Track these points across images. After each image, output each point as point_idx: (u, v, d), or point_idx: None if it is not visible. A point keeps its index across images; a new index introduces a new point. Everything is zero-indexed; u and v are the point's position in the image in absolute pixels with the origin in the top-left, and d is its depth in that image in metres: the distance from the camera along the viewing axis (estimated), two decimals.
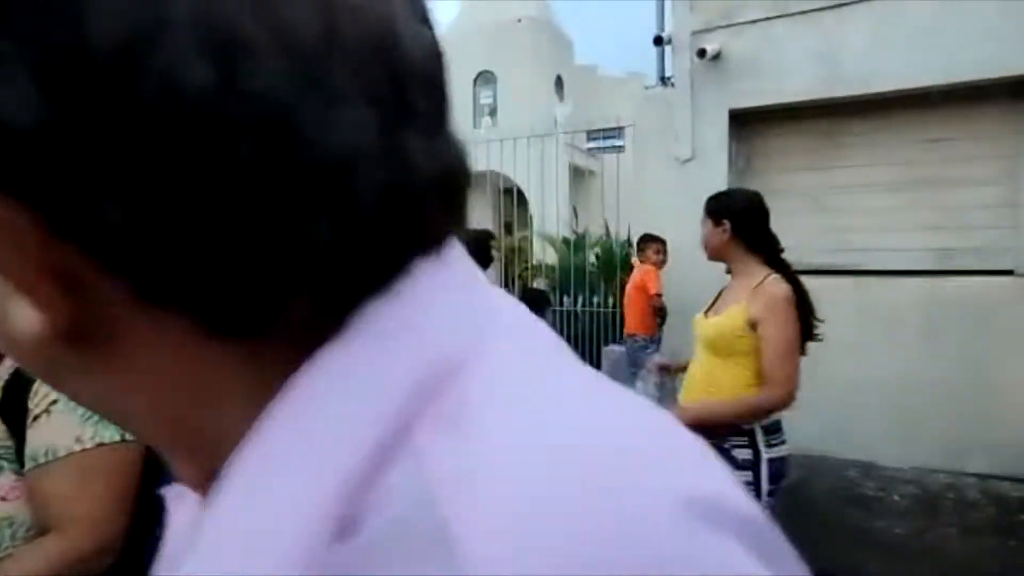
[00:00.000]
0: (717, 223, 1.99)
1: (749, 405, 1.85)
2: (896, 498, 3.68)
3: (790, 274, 1.94)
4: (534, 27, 18.36)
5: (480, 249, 2.63)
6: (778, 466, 1.88)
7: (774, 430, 1.90)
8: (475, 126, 17.81)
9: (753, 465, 1.86)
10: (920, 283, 4.10)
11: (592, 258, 5.92)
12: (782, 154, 4.72)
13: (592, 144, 5.23)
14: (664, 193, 4.78)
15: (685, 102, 4.67)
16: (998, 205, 4.12)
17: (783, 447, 1.91)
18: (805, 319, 1.92)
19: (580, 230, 8.37)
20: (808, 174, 4.63)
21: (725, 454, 1.82)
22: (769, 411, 1.85)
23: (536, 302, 4.46)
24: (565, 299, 5.71)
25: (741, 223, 1.96)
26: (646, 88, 5.57)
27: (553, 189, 16.82)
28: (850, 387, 4.22)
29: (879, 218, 4.43)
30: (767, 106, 4.47)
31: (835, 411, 4.26)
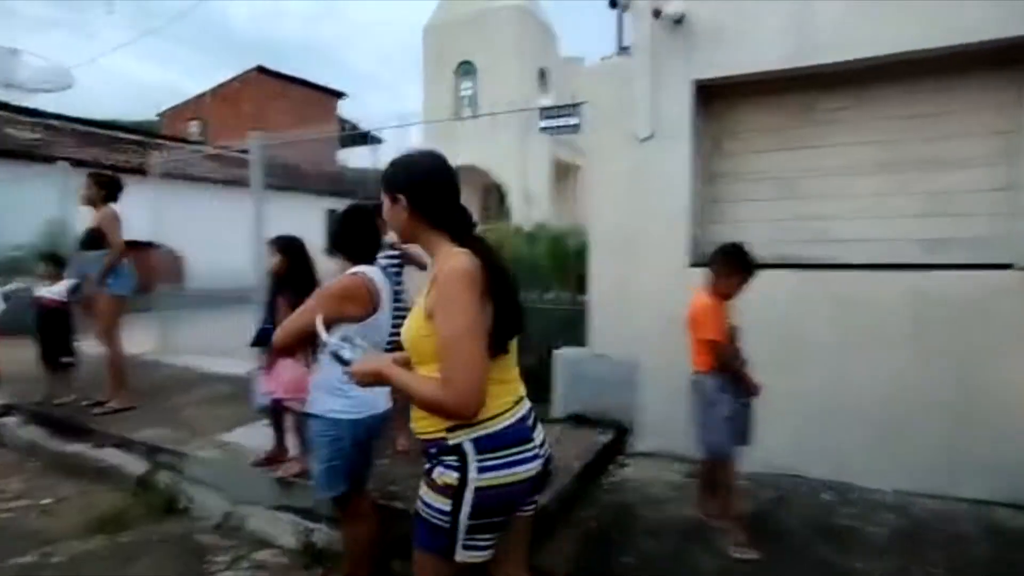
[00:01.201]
0: (393, 199, 1.67)
1: (430, 393, 1.51)
2: (874, 529, 3.15)
3: (481, 247, 1.60)
4: (516, 17, 17.79)
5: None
6: (489, 496, 1.58)
7: (494, 447, 1.59)
8: (455, 115, 17.29)
9: (456, 491, 1.58)
10: (906, 277, 3.59)
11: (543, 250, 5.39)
12: (753, 132, 4.19)
13: (546, 124, 4.67)
14: (622, 176, 4.25)
15: (644, 72, 4.14)
16: (994, 189, 3.60)
17: (509, 471, 1.60)
18: (502, 307, 1.56)
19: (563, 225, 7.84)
20: (782, 155, 4.10)
21: (428, 475, 1.64)
22: (447, 416, 1.54)
23: None
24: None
25: (419, 196, 1.64)
26: (602, 59, 5.02)
27: (537, 183, 16.36)
28: (826, 395, 3.70)
29: (860, 204, 3.91)
30: (735, 77, 3.94)
31: (809, 423, 3.74)
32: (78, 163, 11.61)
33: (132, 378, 5.01)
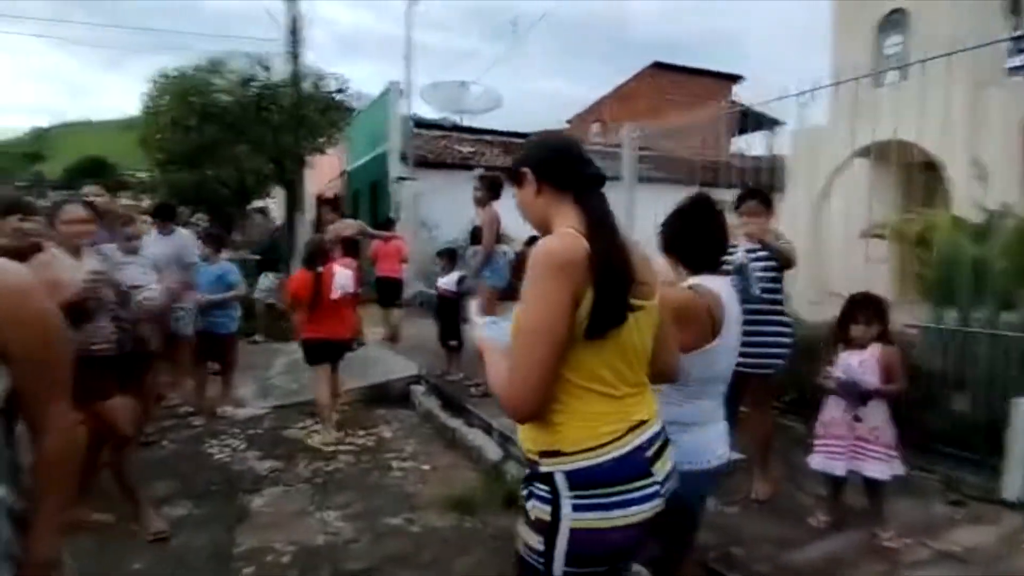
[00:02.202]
0: (518, 181, 1.51)
1: (497, 384, 1.38)
2: None
3: (595, 218, 1.38)
4: None
5: None
6: (587, 541, 1.32)
7: (594, 482, 1.32)
8: (876, 85, 14.30)
9: (549, 529, 1.33)
10: None
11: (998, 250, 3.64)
12: None
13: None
14: None
15: None
16: None
17: (614, 513, 1.32)
18: (604, 300, 1.29)
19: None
20: None
21: (525, 504, 1.41)
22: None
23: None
24: (949, 313, 3.68)
25: (543, 165, 1.47)
26: None
27: (993, 155, 12.28)
28: None
29: None
30: None
31: None
32: (492, 169, 13.68)
33: None
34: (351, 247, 6.19)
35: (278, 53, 12.68)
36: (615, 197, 5.54)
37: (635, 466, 1.36)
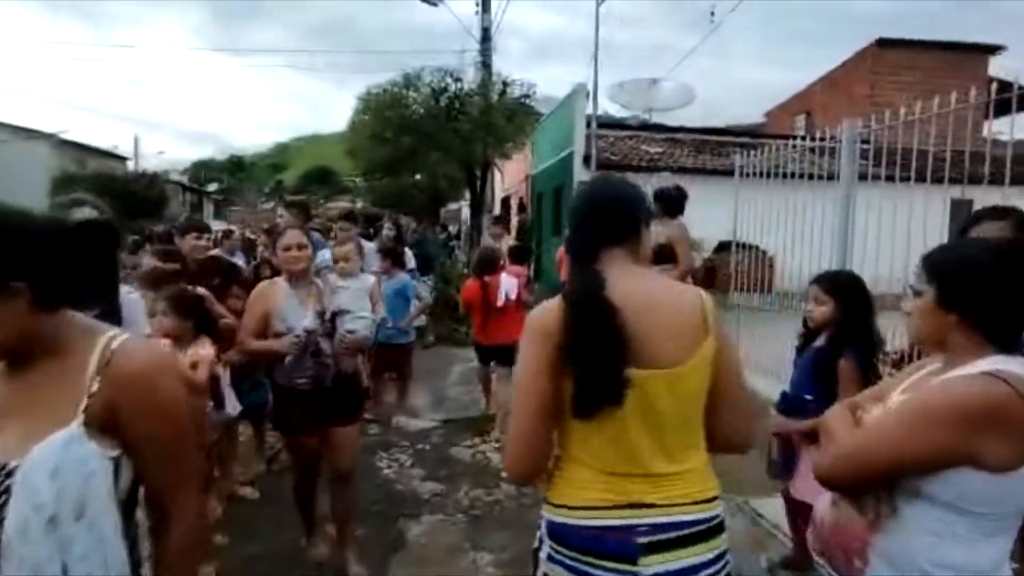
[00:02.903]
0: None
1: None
2: None
3: (578, 285, 1.35)
4: None
5: None
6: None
7: (564, 540, 1.31)
8: None
9: (533, 566, 1.41)
10: None
11: None
12: None
13: None
14: None
15: None
16: None
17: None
18: (584, 370, 1.26)
19: None
20: None
21: None
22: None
23: None
24: None
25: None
26: None
27: None
28: None
29: None
30: None
31: None
32: (680, 170, 12.76)
33: None
34: (522, 255, 6.00)
35: (472, 63, 13.20)
36: (830, 199, 4.65)
37: (617, 546, 1.25)
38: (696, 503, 1.28)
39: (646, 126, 16.81)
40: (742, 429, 1.40)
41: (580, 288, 1.29)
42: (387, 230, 6.81)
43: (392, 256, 5.31)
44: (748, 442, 1.43)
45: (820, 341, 2.49)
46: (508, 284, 4.76)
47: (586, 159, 12.58)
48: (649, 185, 8.45)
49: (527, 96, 12.36)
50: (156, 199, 24.44)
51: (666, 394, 1.25)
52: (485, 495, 4.02)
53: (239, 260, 5.30)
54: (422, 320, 6.16)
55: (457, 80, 11.63)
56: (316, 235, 4.94)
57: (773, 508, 3.29)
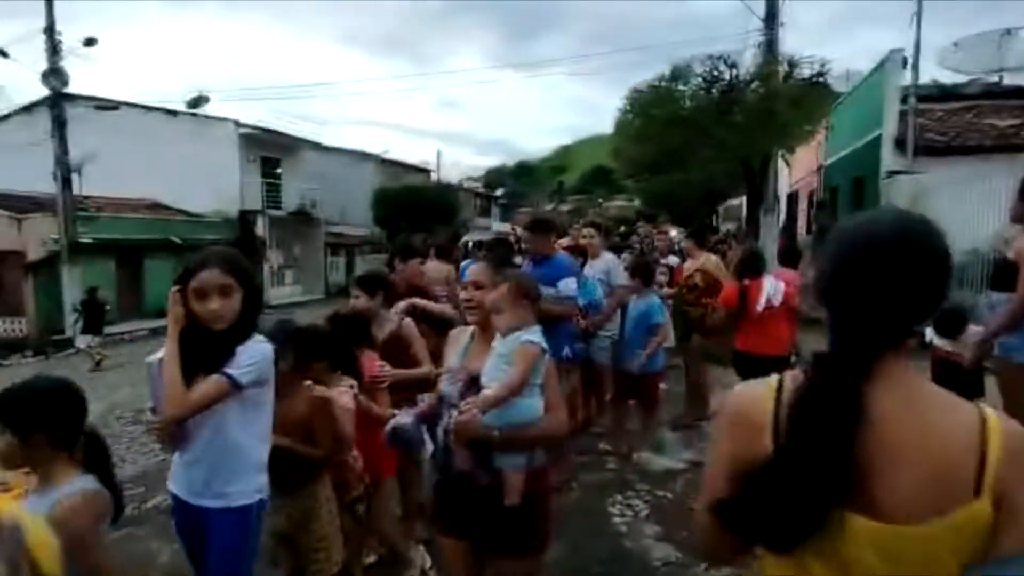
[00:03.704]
0: None
1: None
2: None
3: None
4: None
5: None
6: None
7: None
8: None
9: None
10: None
11: None
12: None
13: None
14: None
15: None
16: None
17: None
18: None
19: None
20: None
21: None
22: None
23: None
24: None
25: None
26: None
27: None
28: None
29: None
30: None
31: None
32: None
33: None
34: (793, 257, 5.10)
35: (754, 45, 11.79)
36: None
37: None
38: None
39: (991, 93, 13.16)
40: None
41: (823, 419, 0.91)
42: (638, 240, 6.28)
43: (643, 273, 4.74)
44: None
45: None
46: (773, 287, 4.42)
47: (899, 142, 10.24)
48: (1009, 175, 6.36)
49: (820, 75, 10.53)
50: (451, 206, 27.51)
51: (875, 558, 0.91)
52: None
53: None
54: (671, 341, 5.44)
55: (732, 66, 10.42)
56: (562, 254, 4.28)
57: None
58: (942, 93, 12.78)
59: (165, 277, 18.76)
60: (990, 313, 3.24)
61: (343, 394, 2.50)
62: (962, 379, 3.57)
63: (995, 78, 13.67)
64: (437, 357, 2.67)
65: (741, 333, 4.56)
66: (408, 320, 3.29)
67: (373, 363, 2.84)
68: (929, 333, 3.75)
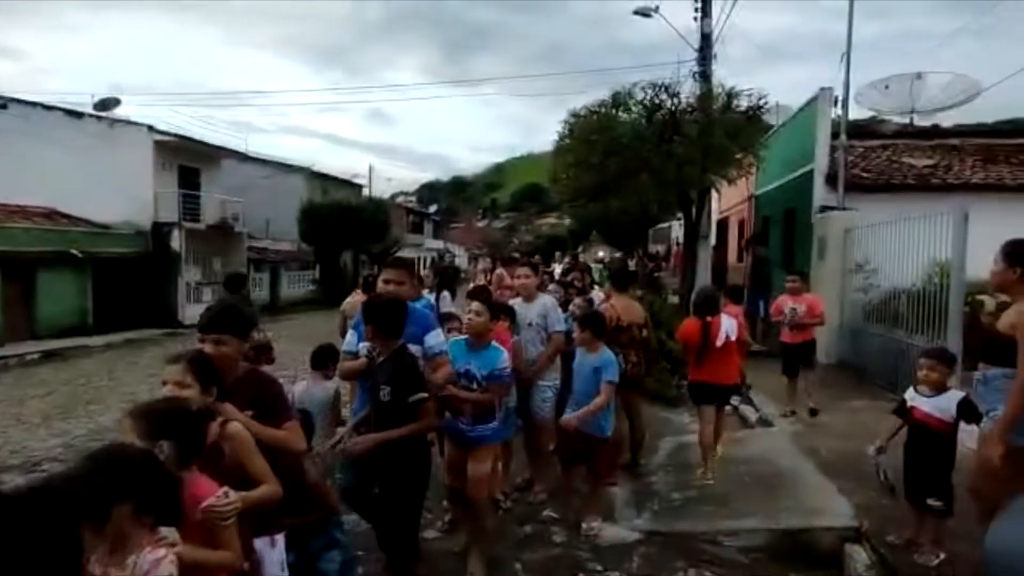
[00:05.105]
0: None
1: None
2: None
3: None
4: None
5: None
6: None
7: None
8: None
9: None
10: None
11: None
12: None
13: None
14: None
15: None
16: None
17: None
18: None
19: None
20: None
21: None
22: None
23: None
24: None
25: None
26: None
27: None
28: None
29: None
30: None
31: None
32: (964, 187, 9.96)
33: None
34: (737, 295, 5.40)
35: (689, 75, 11.81)
36: None
37: None
38: None
39: (903, 133, 13.80)
40: None
41: None
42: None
43: (593, 324, 4.29)
44: None
45: None
46: (728, 325, 4.86)
47: (830, 177, 10.44)
48: (928, 215, 6.44)
49: (758, 108, 10.62)
50: (382, 223, 26.63)
51: None
52: None
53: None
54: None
55: (674, 96, 10.35)
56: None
57: None
58: (857, 131, 13.26)
59: (62, 293, 17.05)
60: (984, 388, 3.02)
61: (160, 563, 1.55)
62: (937, 446, 3.34)
63: (907, 119, 14.39)
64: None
65: (698, 366, 4.92)
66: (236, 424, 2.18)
67: (208, 487, 1.88)
68: (910, 394, 3.50)
